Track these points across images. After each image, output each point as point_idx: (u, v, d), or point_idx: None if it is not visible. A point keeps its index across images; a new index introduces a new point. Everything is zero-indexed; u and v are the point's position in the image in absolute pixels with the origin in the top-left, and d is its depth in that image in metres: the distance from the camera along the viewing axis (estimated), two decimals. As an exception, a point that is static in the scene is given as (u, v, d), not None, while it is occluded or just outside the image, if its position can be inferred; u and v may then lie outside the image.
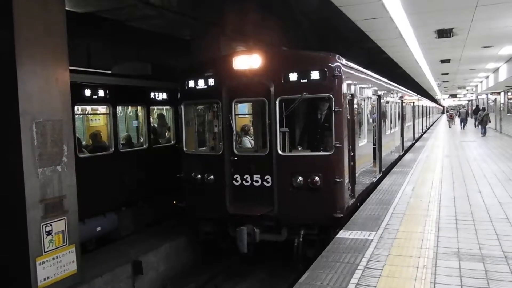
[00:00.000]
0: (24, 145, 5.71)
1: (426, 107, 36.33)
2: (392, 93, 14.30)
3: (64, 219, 6.27)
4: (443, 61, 17.43)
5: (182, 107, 8.37)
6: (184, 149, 8.36)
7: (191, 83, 8.12)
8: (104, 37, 12.25)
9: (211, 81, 7.90)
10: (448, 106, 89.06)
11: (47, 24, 6.06)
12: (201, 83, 8.01)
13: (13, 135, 5.71)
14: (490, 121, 27.81)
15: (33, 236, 5.85)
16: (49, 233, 6.04)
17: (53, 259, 6.11)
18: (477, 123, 31.43)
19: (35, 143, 5.83)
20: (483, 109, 32.80)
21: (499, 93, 29.11)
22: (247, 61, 7.54)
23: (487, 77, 26.30)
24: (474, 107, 39.83)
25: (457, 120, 36.90)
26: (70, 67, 6.54)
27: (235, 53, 7.96)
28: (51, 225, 6.07)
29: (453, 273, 4.78)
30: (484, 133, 25.71)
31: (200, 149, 8.70)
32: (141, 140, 10.20)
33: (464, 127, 33.81)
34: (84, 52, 11.91)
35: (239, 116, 10.17)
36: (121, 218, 9.21)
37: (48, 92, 6.05)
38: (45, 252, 5.99)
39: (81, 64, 10.26)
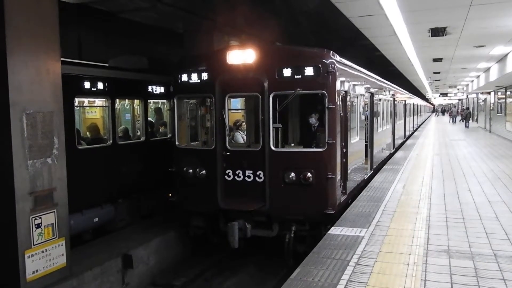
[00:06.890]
0: (14, 136, 5.62)
1: (417, 106, 36.81)
2: (384, 91, 14.36)
3: (54, 212, 6.20)
4: (435, 60, 17.47)
5: (175, 100, 8.31)
6: (176, 143, 8.32)
7: (185, 77, 8.06)
8: (96, 29, 12.11)
9: (204, 75, 7.85)
10: (439, 104, 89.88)
11: (39, 14, 5.95)
12: (194, 77, 7.95)
13: (2, 126, 5.62)
14: (472, 117, 38.11)
15: (22, 229, 5.77)
16: (38, 226, 5.97)
17: (42, 252, 6.05)
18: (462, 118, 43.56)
19: (25, 134, 5.75)
20: (467, 108, 42.80)
21: (489, 93, 29.37)
22: (241, 56, 7.50)
23: (478, 77, 26.46)
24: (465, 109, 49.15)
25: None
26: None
27: (229, 48, 7.91)
28: (40, 218, 5.99)
29: (443, 270, 4.82)
30: (467, 126, 34.71)
31: (192, 143, 8.66)
32: (139, 133, 10.19)
33: (455, 121, 45.09)
34: (76, 43, 11.76)
35: (232, 111, 10.13)
36: (118, 210, 9.21)
37: (39, 83, 5.95)
38: (34, 245, 5.92)
39: (72, 55, 10.13)
